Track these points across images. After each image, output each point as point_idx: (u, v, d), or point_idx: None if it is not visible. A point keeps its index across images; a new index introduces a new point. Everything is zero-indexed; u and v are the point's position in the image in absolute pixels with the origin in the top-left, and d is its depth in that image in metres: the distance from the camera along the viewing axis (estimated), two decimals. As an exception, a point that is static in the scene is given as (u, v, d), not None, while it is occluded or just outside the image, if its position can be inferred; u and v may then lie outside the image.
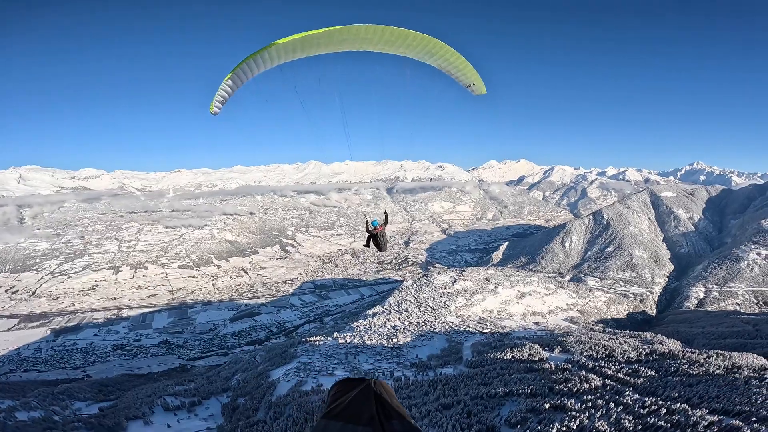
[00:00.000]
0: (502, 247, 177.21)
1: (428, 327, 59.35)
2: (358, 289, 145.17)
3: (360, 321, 65.08)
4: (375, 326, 60.90)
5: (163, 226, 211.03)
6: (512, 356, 36.53)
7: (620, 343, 38.55)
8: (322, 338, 57.13)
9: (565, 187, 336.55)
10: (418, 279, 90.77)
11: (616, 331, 57.24)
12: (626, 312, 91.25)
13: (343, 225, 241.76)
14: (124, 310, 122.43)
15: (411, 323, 61.89)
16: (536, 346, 37.92)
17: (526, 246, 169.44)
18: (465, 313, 70.55)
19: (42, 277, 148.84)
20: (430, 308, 71.22)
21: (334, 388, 2.20)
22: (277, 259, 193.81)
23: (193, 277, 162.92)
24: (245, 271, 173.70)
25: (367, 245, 12.37)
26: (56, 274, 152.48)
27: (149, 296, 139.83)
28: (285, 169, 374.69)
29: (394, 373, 39.51)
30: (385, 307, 73.97)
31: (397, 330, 58.71)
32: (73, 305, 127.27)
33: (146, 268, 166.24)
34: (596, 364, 28.93)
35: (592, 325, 73.56)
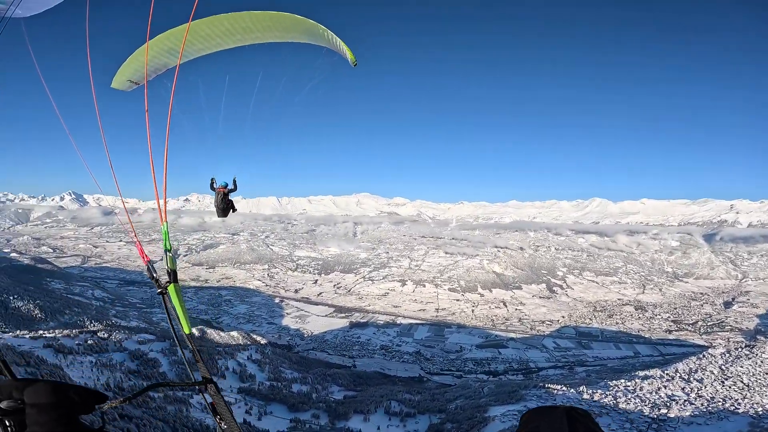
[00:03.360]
0: None
1: (727, 405, 43.91)
2: (633, 345, 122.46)
3: (622, 380, 54.88)
4: (641, 390, 50.49)
5: (444, 252, 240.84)
6: None
7: None
8: (564, 388, 51.42)
9: None
10: (737, 348, 67.05)
11: None
12: None
13: (630, 273, 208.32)
14: (399, 318, 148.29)
15: (699, 396, 47.53)
16: None
17: None
18: (810, 399, 46.62)
19: (357, 280, 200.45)
20: (741, 384, 51.23)
21: (525, 416, 2.11)
22: (540, 297, 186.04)
23: (458, 300, 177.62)
24: (505, 304, 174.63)
25: (225, 214, 10.15)
26: (366, 279, 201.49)
27: (420, 310, 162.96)
28: (562, 206, 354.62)
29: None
30: (666, 371, 58.93)
31: (672, 400, 46.60)
32: (369, 306, 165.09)
33: (424, 286, 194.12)
34: None
35: None
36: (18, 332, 46.28)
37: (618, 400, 45.55)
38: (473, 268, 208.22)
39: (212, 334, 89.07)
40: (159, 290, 3.26)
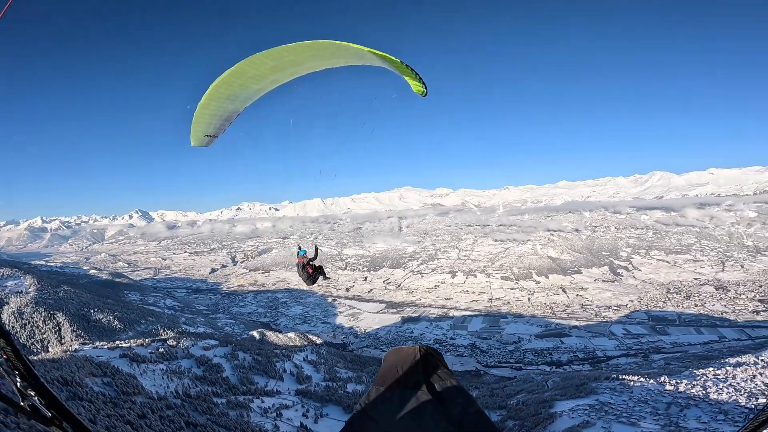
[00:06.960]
0: None
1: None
2: (716, 329, 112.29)
3: (710, 368, 50.20)
4: (733, 378, 45.96)
5: (492, 239, 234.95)
6: None
7: None
8: (642, 379, 47.74)
9: None
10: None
11: None
12: None
13: (705, 249, 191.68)
14: (451, 310, 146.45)
15: (801, 382, 42.31)
16: None
17: None
18: None
19: (406, 274, 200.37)
20: None
21: (385, 357, 2.42)
22: (603, 281, 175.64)
23: (512, 289, 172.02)
24: (564, 290, 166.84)
25: (312, 282, 9.45)
26: (414, 273, 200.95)
27: (472, 301, 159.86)
28: (619, 182, 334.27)
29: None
30: (761, 357, 53.39)
31: (770, 388, 41.78)
32: (420, 299, 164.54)
33: (475, 276, 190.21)
34: None
35: None
36: (98, 343, 50.91)
37: (708, 390, 41.36)
38: (526, 255, 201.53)
39: (271, 336, 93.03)
40: None
